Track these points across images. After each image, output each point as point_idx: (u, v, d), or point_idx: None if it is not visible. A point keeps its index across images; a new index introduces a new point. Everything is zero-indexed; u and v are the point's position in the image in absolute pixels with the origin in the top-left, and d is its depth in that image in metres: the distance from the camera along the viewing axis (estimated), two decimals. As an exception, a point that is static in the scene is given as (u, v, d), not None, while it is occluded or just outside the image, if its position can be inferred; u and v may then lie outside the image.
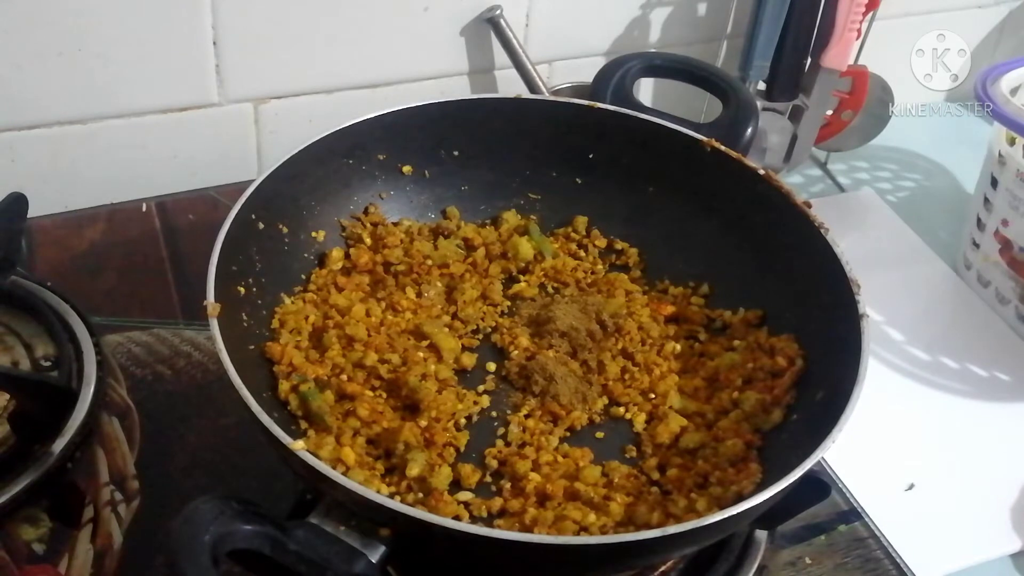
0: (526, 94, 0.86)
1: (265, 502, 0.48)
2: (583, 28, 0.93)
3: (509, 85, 0.91)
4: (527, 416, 0.63)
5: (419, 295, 0.70)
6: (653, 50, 0.97)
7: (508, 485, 0.59)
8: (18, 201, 0.70)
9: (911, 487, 0.71)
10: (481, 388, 0.65)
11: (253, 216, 0.64)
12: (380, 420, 0.60)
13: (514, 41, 0.88)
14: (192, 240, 0.82)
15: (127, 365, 0.71)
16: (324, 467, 0.49)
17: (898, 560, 0.65)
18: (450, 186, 0.76)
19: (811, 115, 0.92)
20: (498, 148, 0.75)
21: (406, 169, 0.74)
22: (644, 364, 0.67)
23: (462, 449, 0.61)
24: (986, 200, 0.85)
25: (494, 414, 0.64)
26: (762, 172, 0.69)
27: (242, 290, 0.62)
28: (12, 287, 0.71)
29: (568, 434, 0.63)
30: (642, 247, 0.76)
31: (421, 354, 0.65)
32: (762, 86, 0.92)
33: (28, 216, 0.71)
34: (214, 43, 0.81)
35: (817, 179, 1.02)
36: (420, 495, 0.56)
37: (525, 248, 0.73)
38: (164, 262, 0.80)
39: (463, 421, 0.63)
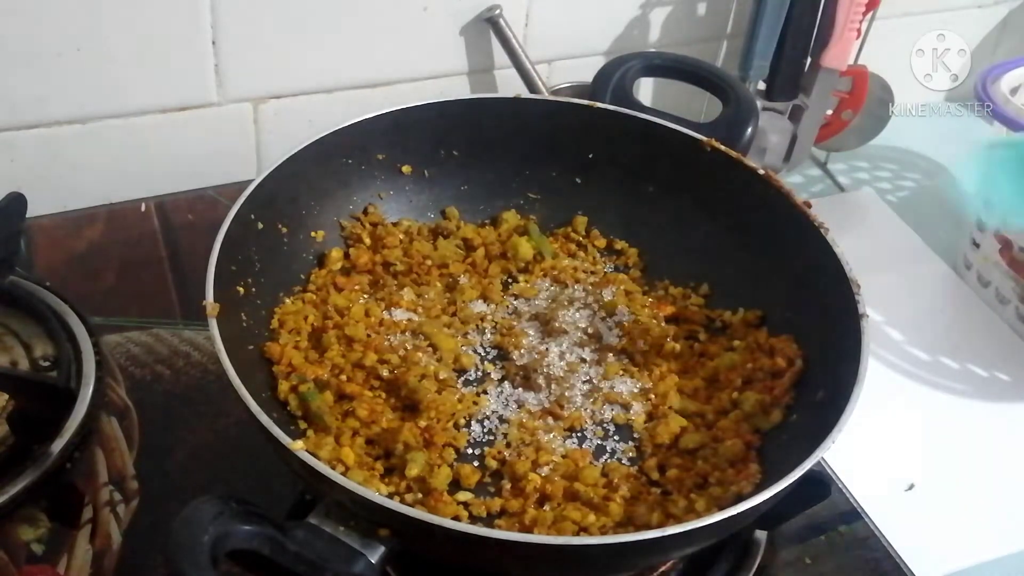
0: (526, 94, 0.86)
1: (264, 502, 0.48)
2: (583, 28, 0.93)
3: (509, 85, 0.91)
4: (527, 416, 0.63)
5: (419, 295, 0.70)
6: (653, 50, 0.96)
7: (508, 485, 0.59)
8: (17, 201, 0.70)
9: (911, 487, 0.71)
10: (481, 388, 0.65)
11: (252, 216, 0.64)
12: (379, 420, 0.60)
13: (513, 41, 0.88)
14: (191, 240, 0.82)
15: (126, 365, 0.71)
16: (323, 467, 0.49)
17: (898, 560, 0.65)
18: (449, 186, 0.76)
19: (811, 115, 0.92)
20: (498, 148, 0.75)
21: (406, 169, 0.74)
22: (644, 364, 0.67)
23: (462, 449, 0.61)
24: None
25: (494, 414, 0.64)
26: (762, 172, 0.69)
27: (241, 290, 0.62)
28: (11, 287, 0.71)
29: (568, 434, 0.63)
30: (642, 247, 0.76)
31: (421, 354, 0.65)
32: (762, 86, 0.92)
33: (27, 216, 0.71)
34: (213, 43, 0.81)
35: (817, 179, 1.02)
36: (420, 495, 0.56)
37: (524, 248, 0.73)
38: (163, 262, 0.80)
39: (462, 421, 0.62)
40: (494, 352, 0.68)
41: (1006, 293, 0.85)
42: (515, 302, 0.72)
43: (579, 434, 0.63)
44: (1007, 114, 0.78)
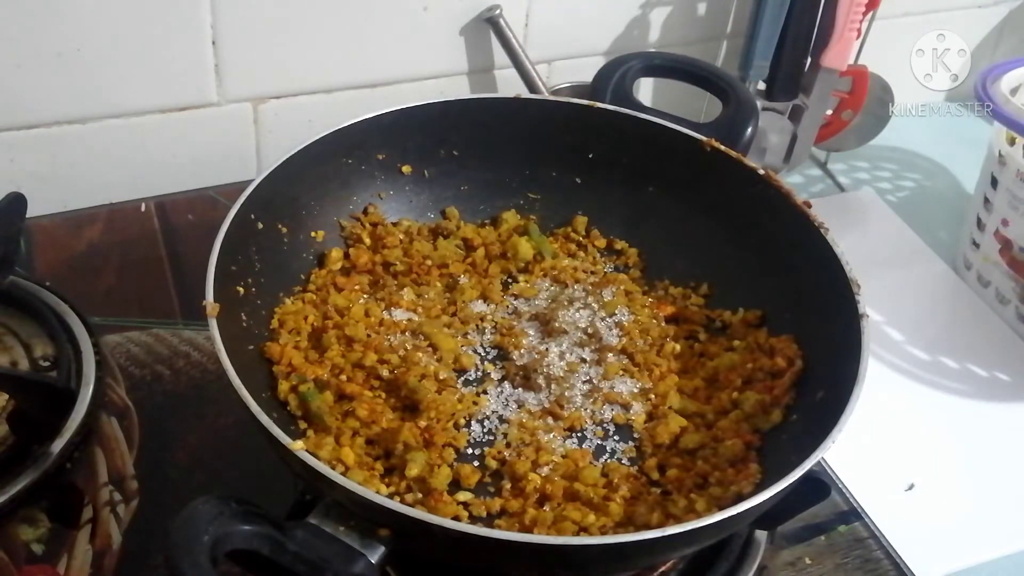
0: (526, 94, 0.86)
1: (264, 502, 0.48)
2: (583, 28, 0.93)
3: (509, 85, 0.91)
4: (527, 416, 0.63)
5: (419, 295, 0.70)
6: (653, 50, 0.96)
7: (508, 485, 0.59)
8: (17, 201, 0.69)
9: (911, 487, 0.71)
10: (481, 388, 0.65)
11: (252, 216, 0.64)
12: (379, 420, 0.59)
13: (514, 41, 0.88)
14: (191, 240, 0.82)
15: (126, 365, 0.71)
16: (323, 467, 0.49)
17: (898, 560, 0.65)
18: (449, 186, 0.76)
19: (811, 115, 0.92)
20: (498, 148, 0.75)
21: (405, 169, 0.74)
22: (644, 364, 0.67)
23: (462, 449, 0.61)
24: (986, 200, 0.85)
25: (494, 414, 0.64)
26: (762, 172, 0.69)
27: (241, 290, 0.62)
28: (11, 287, 0.71)
29: (568, 434, 0.63)
30: (642, 247, 0.76)
31: (421, 354, 0.65)
32: (762, 86, 0.92)
33: (27, 216, 0.71)
34: (213, 43, 0.81)
35: (817, 179, 1.02)
36: (419, 495, 0.56)
37: (525, 248, 0.73)
38: (163, 262, 0.80)
39: (462, 421, 0.62)
40: (494, 352, 0.68)
41: (1006, 293, 0.85)
42: (515, 302, 0.71)
43: (579, 434, 0.63)
44: (1007, 114, 0.78)
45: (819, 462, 0.51)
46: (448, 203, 0.76)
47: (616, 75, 0.77)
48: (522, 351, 0.67)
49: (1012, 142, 0.83)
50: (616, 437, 0.63)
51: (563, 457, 0.61)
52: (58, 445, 0.63)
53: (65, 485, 0.63)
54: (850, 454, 0.68)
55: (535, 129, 0.75)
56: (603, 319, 0.69)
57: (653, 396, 0.65)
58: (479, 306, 0.71)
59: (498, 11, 0.87)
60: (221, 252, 0.59)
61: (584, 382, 0.66)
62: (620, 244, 0.76)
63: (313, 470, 0.49)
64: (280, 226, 0.67)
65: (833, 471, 0.69)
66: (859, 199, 1.00)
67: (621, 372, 0.66)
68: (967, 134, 1.04)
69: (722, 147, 0.71)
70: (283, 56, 0.84)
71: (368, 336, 0.65)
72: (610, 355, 0.67)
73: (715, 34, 0.99)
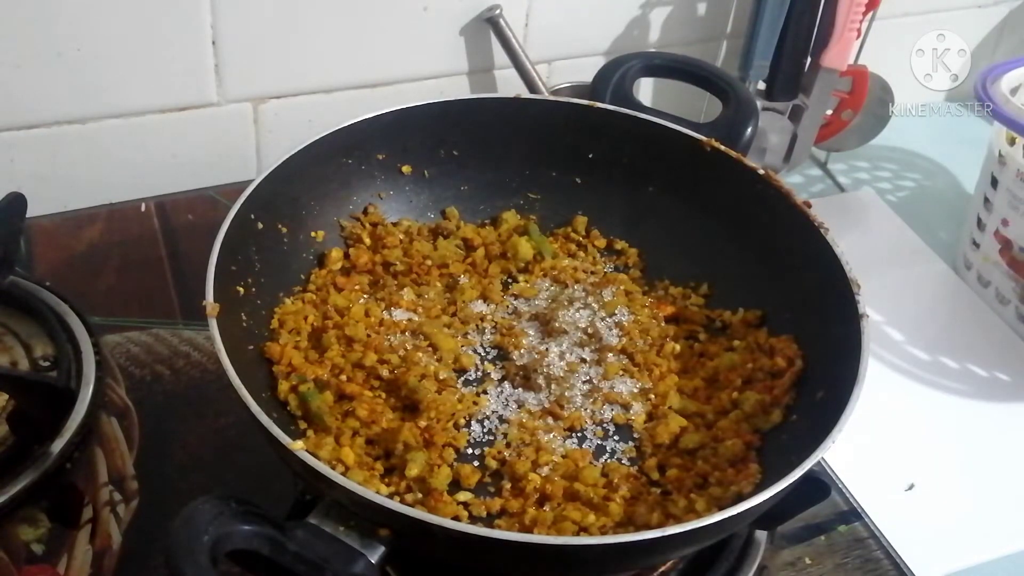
0: (526, 94, 0.86)
1: (264, 502, 0.48)
2: (583, 28, 0.93)
3: (509, 85, 0.91)
4: (527, 416, 0.63)
5: (419, 295, 0.70)
6: (653, 50, 0.97)
7: (508, 485, 0.59)
8: (17, 201, 0.70)
9: (911, 487, 0.71)
10: (481, 388, 0.65)
11: (252, 216, 0.64)
12: (379, 420, 0.59)
13: (513, 41, 0.88)
14: (191, 240, 0.82)
15: (126, 365, 0.71)
16: (323, 467, 0.49)
17: (898, 560, 0.65)
18: (449, 186, 0.76)
19: (811, 115, 0.92)
20: (498, 148, 0.75)
21: (405, 169, 0.74)
22: (644, 364, 0.67)
23: (462, 449, 0.61)
24: (986, 200, 0.85)
25: (494, 414, 0.64)
26: (762, 172, 0.69)
27: (241, 290, 0.62)
28: (11, 287, 0.71)
29: (568, 434, 0.63)
30: (642, 247, 0.76)
31: (421, 354, 0.65)
32: (762, 86, 0.92)
33: (27, 216, 0.71)
34: (213, 43, 0.81)
35: (817, 179, 1.02)
36: (419, 495, 0.56)
37: (524, 248, 0.73)
38: (163, 262, 0.80)
39: (462, 421, 0.62)
40: (494, 352, 0.68)
41: (1006, 293, 0.85)
42: (515, 302, 0.71)
43: (579, 434, 0.63)
44: (1007, 114, 0.78)
45: (819, 462, 0.51)
46: (448, 203, 0.76)
47: (616, 75, 0.77)
48: (522, 351, 0.67)
49: (1012, 142, 0.83)
50: (616, 437, 0.63)
51: (563, 457, 0.61)
52: (58, 445, 0.63)
53: (65, 485, 0.63)
54: (850, 454, 0.68)
55: (535, 129, 0.75)
56: (603, 319, 0.69)
57: (653, 396, 0.65)
58: (479, 306, 0.71)
59: (498, 11, 0.87)
60: (221, 252, 0.59)
61: (584, 382, 0.66)
62: (620, 244, 0.76)
63: (313, 470, 0.49)
64: (280, 226, 0.67)
65: (833, 471, 0.69)
66: (859, 199, 1.00)
67: (621, 372, 0.66)
68: (967, 134, 1.04)
69: (722, 147, 0.71)
70: (283, 56, 0.84)
71: (368, 336, 0.65)
72: (610, 355, 0.67)
73: (715, 34, 0.99)
